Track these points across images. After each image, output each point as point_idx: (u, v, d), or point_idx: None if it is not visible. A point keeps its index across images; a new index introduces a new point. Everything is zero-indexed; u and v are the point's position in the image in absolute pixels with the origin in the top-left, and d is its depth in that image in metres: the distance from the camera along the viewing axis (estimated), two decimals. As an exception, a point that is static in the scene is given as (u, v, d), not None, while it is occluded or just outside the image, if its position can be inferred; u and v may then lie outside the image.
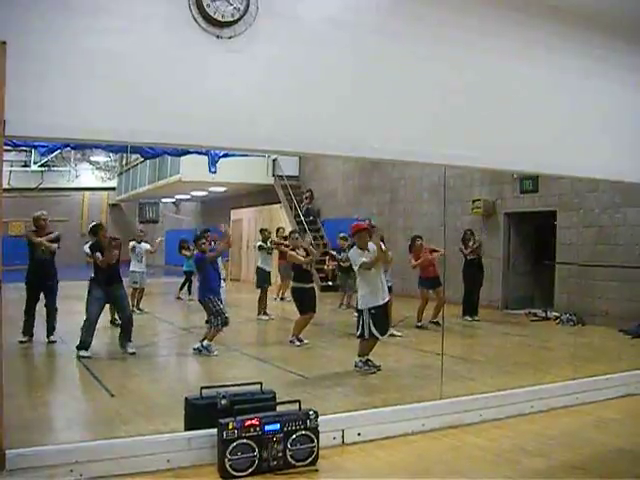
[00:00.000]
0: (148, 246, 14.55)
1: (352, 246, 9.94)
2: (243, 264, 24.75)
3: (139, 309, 14.07)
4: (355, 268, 8.65)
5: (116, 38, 4.71)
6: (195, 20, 4.88)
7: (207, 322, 9.87)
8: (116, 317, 10.91)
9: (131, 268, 14.00)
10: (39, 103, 4.46)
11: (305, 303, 10.52)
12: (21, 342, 9.80)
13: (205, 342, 9.51)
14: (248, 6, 5.00)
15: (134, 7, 4.83)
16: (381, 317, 8.48)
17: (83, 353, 9.07)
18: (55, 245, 10.30)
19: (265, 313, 14.06)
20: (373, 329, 8.32)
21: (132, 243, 14.36)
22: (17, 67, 4.31)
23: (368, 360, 8.48)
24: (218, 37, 4.95)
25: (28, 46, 4.41)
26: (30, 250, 10.20)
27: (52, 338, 10.17)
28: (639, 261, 11.85)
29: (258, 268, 14.68)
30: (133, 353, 9.38)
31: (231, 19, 4.93)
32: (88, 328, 9.20)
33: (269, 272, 14.69)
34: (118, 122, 4.74)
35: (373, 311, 8.35)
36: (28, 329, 10.02)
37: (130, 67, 4.78)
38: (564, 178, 11.91)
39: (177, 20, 4.87)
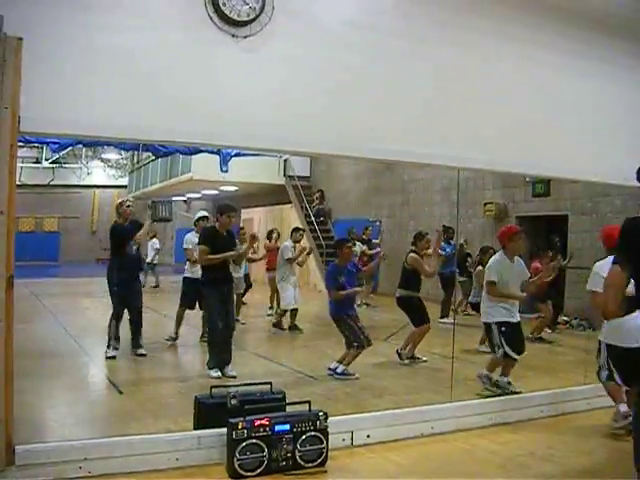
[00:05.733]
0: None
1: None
2: (253, 264, 24.66)
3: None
4: (487, 278, 7.37)
5: (131, 36, 4.73)
6: (211, 19, 4.89)
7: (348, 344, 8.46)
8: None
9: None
10: (54, 99, 4.48)
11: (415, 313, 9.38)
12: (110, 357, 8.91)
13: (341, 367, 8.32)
14: (264, 6, 5.01)
15: (150, 5, 4.87)
16: (516, 335, 7.27)
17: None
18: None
19: None
20: (507, 349, 7.16)
21: None
22: (33, 63, 4.32)
23: (508, 382, 7.30)
24: (234, 36, 4.96)
25: (44, 42, 4.43)
26: (118, 244, 9.07)
27: (141, 351, 9.20)
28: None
29: None
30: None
31: (247, 18, 4.95)
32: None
33: None
34: (132, 119, 4.76)
35: (503, 328, 7.18)
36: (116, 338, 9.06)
37: (145, 65, 4.80)
38: (577, 182, 11.83)
39: (193, 18, 4.89)
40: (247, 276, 14.94)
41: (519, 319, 7.32)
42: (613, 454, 5.58)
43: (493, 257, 7.76)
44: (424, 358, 9.44)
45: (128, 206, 9.19)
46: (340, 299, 8.31)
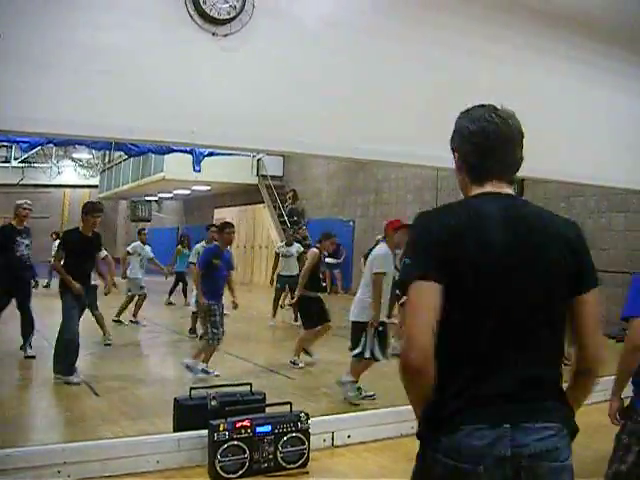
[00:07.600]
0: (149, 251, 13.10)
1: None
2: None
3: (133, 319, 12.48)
4: (374, 270, 6.92)
5: (109, 33, 4.63)
6: (191, 17, 4.81)
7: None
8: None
9: (134, 274, 12.43)
10: (26, 97, 4.36)
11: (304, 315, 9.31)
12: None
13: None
14: (244, 4, 4.94)
15: (128, 1, 4.77)
16: (385, 335, 7.08)
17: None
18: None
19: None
20: (377, 349, 6.93)
21: (135, 245, 12.92)
22: (5, 60, 4.22)
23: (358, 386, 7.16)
24: (214, 34, 4.89)
25: (17, 39, 4.30)
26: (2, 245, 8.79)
27: (29, 352, 8.81)
28: (622, 266, 11.90)
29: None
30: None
31: (227, 17, 4.88)
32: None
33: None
34: (108, 118, 4.64)
35: (381, 327, 6.96)
36: None
37: (122, 63, 4.69)
38: (550, 182, 11.94)
39: (172, 16, 4.80)
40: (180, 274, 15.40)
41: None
42: (591, 453, 5.59)
43: (379, 247, 7.34)
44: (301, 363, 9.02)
45: (24, 208, 8.87)
46: (207, 282, 8.10)
